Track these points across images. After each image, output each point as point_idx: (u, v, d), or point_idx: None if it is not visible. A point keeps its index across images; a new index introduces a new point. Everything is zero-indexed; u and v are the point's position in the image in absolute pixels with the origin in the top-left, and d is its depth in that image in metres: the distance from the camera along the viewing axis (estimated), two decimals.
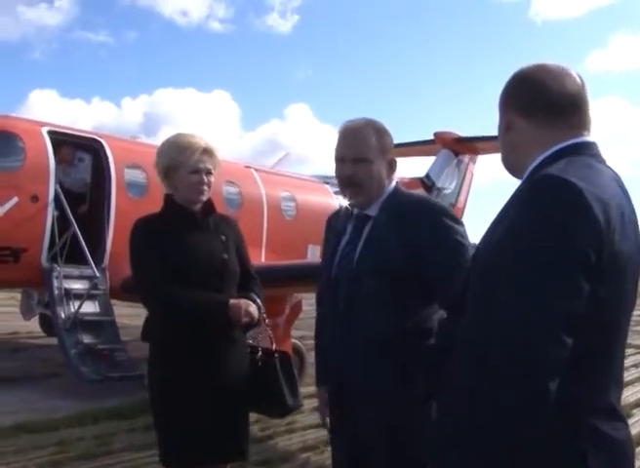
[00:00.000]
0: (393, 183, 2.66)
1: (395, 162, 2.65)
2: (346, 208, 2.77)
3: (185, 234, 2.96)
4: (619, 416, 1.59)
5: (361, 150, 2.53)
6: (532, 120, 1.74)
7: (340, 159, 2.58)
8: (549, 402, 1.40)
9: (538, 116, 1.74)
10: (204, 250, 2.96)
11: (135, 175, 8.29)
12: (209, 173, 2.97)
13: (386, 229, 2.51)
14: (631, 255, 1.54)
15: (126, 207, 7.82)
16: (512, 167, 1.85)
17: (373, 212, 2.59)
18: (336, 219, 2.78)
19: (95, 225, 7.87)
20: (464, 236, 2.54)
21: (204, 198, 3.00)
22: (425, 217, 2.51)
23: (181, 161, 2.92)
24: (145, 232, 2.97)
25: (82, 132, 8.46)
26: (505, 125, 1.81)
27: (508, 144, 1.83)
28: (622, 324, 1.61)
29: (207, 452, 2.91)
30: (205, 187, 2.96)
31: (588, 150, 1.69)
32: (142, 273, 2.94)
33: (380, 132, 2.58)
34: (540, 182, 1.53)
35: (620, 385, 1.64)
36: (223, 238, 3.04)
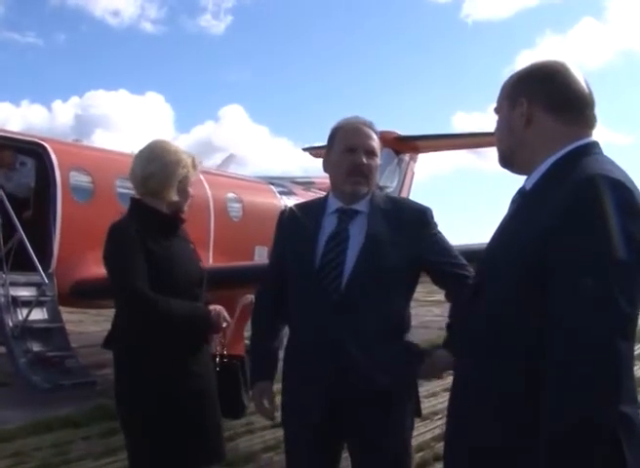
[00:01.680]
0: None
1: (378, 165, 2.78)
2: (311, 203, 2.87)
3: (166, 241, 2.94)
4: (636, 401, 1.66)
5: (372, 144, 2.65)
6: (557, 116, 1.76)
7: (352, 148, 2.63)
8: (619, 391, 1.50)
9: (563, 113, 1.76)
10: (185, 256, 2.97)
11: (80, 179, 8.15)
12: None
13: (383, 227, 2.59)
14: None
15: (72, 211, 7.69)
16: (517, 163, 1.87)
17: (362, 207, 2.64)
18: (303, 215, 2.77)
19: (40, 230, 7.70)
20: None
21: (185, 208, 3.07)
22: (421, 218, 2.67)
23: (182, 175, 2.98)
24: (128, 236, 2.86)
25: (24, 135, 8.26)
26: (526, 120, 1.79)
27: (524, 139, 1.81)
28: None
29: (189, 457, 2.90)
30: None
31: (600, 149, 1.76)
32: (127, 274, 2.80)
33: (377, 134, 2.71)
34: (597, 183, 1.55)
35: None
36: (192, 246, 3.06)
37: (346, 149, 2.63)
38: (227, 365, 3.08)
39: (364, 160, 2.61)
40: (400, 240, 2.56)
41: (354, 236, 2.59)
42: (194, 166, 3.02)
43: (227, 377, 3.07)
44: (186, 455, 2.87)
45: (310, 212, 2.74)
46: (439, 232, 2.70)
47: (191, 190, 3.03)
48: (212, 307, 2.91)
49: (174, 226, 3.01)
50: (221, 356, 3.10)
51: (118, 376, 2.96)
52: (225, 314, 2.94)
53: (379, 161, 2.69)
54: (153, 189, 2.95)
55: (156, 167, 2.93)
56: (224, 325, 2.90)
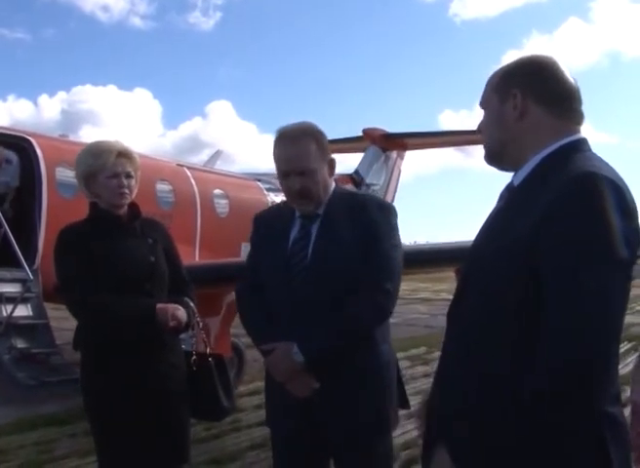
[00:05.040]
0: (332, 182, 2.73)
1: (334, 161, 2.72)
2: (280, 207, 2.86)
3: (112, 239, 2.94)
4: (620, 400, 1.66)
5: (305, 163, 2.56)
6: (549, 110, 1.75)
7: (284, 173, 2.61)
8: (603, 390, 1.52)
9: (555, 107, 1.75)
10: (131, 254, 2.94)
11: (66, 175, 8.05)
12: (128, 176, 2.96)
13: (337, 226, 2.59)
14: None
15: (58, 207, 7.59)
16: (506, 158, 1.84)
17: (320, 209, 2.65)
18: (272, 219, 2.80)
19: (25, 226, 7.63)
20: (399, 236, 2.69)
21: (125, 201, 2.99)
22: (372, 216, 2.60)
23: (98, 166, 2.92)
24: (70, 240, 2.94)
25: (8, 130, 8.17)
26: (519, 113, 1.77)
27: (515, 133, 1.78)
28: None
29: (145, 459, 2.89)
30: (125, 190, 2.95)
31: (589, 146, 1.75)
32: (68, 282, 2.90)
33: (317, 136, 2.62)
34: (587, 181, 1.54)
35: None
36: (150, 241, 3.03)
37: (280, 174, 2.64)
38: (200, 364, 3.04)
39: (298, 184, 2.57)
40: (349, 241, 2.54)
41: (311, 240, 2.61)
42: (126, 157, 2.96)
43: (203, 377, 3.03)
44: (147, 454, 2.88)
45: (282, 216, 2.75)
46: (390, 235, 2.61)
47: (126, 182, 2.95)
48: (160, 305, 2.85)
49: (115, 224, 2.99)
50: (199, 355, 3.06)
51: (82, 373, 3.02)
52: (179, 313, 2.86)
53: (321, 171, 2.60)
54: (87, 193, 3.06)
55: (78, 170, 3.05)
56: (172, 323, 2.82)
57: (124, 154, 2.95)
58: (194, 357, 3.03)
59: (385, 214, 2.64)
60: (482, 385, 1.67)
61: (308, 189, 2.58)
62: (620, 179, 1.61)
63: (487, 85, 1.88)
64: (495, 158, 1.88)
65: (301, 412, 2.56)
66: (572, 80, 1.79)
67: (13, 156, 7.91)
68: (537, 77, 1.77)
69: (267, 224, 2.80)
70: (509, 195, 1.80)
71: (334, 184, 2.73)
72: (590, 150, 1.74)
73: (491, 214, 1.85)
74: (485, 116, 1.88)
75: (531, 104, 1.76)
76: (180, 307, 2.90)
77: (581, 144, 1.74)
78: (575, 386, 1.47)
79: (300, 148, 2.56)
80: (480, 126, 1.90)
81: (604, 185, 1.53)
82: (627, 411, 1.99)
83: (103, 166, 2.90)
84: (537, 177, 1.70)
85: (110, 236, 2.95)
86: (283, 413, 2.64)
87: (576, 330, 1.47)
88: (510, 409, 1.58)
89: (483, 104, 1.89)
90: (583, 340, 1.47)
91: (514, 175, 1.81)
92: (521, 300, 1.60)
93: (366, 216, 2.58)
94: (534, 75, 1.78)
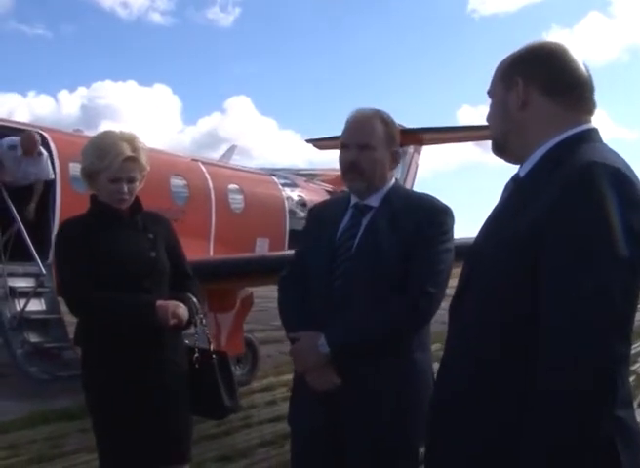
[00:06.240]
0: (393, 175, 2.66)
1: (399, 154, 2.67)
2: (339, 198, 2.78)
3: (112, 233, 2.90)
4: (631, 404, 1.58)
5: (365, 137, 2.53)
6: (554, 99, 1.66)
7: (344, 145, 2.57)
8: (614, 394, 1.41)
9: (561, 96, 1.66)
10: (131, 249, 2.89)
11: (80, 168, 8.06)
12: (131, 180, 2.90)
13: (388, 221, 2.50)
14: None
15: (72, 202, 7.59)
16: (510, 148, 1.76)
17: (374, 202, 2.57)
18: (326, 209, 2.76)
19: (40, 221, 7.64)
20: (452, 240, 2.55)
21: (124, 205, 2.93)
22: (427, 217, 2.50)
23: (102, 167, 2.84)
24: (70, 235, 2.90)
25: (23, 125, 8.19)
26: (522, 102, 1.69)
27: (518, 123, 1.70)
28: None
29: (145, 455, 2.86)
30: (125, 196, 2.89)
31: (599, 136, 1.66)
32: (67, 279, 2.88)
33: (387, 122, 2.59)
34: (594, 171, 1.46)
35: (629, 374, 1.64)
36: (151, 236, 2.97)
37: (341, 146, 2.59)
38: (203, 361, 2.98)
39: (353, 156, 2.52)
40: (397, 239, 2.45)
41: (359, 233, 2.53)
42: (132, 160, 2.89)
43: (204, 375, 2.98)
44: (147, 450, 2.85)
45: (335, 207, 2.70)
46: (443, 239, 2.50)
47: (127, 187, 2.88)
48: (160, 302, 2.79)
49: (116, 218, 2.94)
50: (202, 352, 3.00)
51: (83, 369, 2.99)
52: (179, 311, 2.81)
53: (381, 153, 2.54)
54: (88, 185, 3.02)
55: (82, 163, 2.98)
56: (173, 321, 2.76)
57: (131, 158, 2.87)
58: (197, 354, 2.98)
59: (440, 216, 2.53)
60: (478, 377, 1.62)
61: (361, 164, 2.52)
62: (629, 168, 1.52)
63: (495, 72, 1.80)
64: (499, 149, 1.80)
65: (326, 416, 2.45)
66: (582, 68, 1.69)
67: (43, 150, 7.89)
68: (542, 65, 1.68)
69: (320, 215, 2.75)
70: (514, 187, 1.72)
71: (394, 180, 2.66)
72: (600, 141, 1.65)
73: (495, 207, 1.78)
74: (491, 105, 1.80)
75: (534, 93, 1.67)
76: (181, 304, 2.84)
77: (591, 134, 1.65)
78: (574, 388, 1.39)
79: (365, 123, 2.55)
80: (487, 116, 1.82)
81: (606, 175, 1.44)
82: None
83: (107, 168, 2.84)
84: (542, 170, 1.61)
85: (111, 230, 2.90)
86: (308, 413, 2.53)
87: (575, 331, 1.40)
88: (508, 406, 1.53)
89: (490, 92, 1.81)
90: (584, 341, 1.39)
91: (520, 167, 1.73)
92: (520, 296, 1.53)
93: (419, 216, 2.49)
94: (539, 63, 1.69)
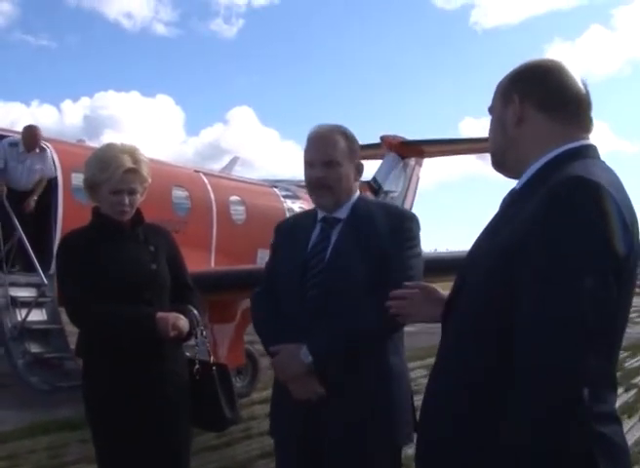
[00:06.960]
0: (357, 187, 2.69)
1: (362, 166, 2.70)
2: (303, 214, 2.83)
3: (113, 246, 2.90)
4: (617, 420, 1.56)
5: (330, 154, 2.56)
6: (550, 116, 1.69)
7: (309, 163, 2.61)
8: (584, 409, 1.38)
9: (557, 112, 1.69)
10: (132, 261, 2.90)
11: (82, 180, 8.08)
12: (132, 192, 2.90)
13: (357, 232, 2.54)
14: (637, 258, 1.53)
15: (74, 212, 7.62)
16: (507, 163, 1.79)
17: (342, 214, 2.62)
18: (295, 224, 2.79)
19: (42, 231, 7.66)
20: (419, 245, 2.62)
21: (125, 218, 2.94)
22: (394, 225, 2.55)
23: (103, 179, 2.85)
24: (71, 248, 2.91)
25: None
26: (518, 118, 1.71)
27: (514, 139, 1.73)
28: (624, 325, 1.59)
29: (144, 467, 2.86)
30: (126, 208, 2.90)
31: (595, 153, 1.68)
32: (68, 293, 2.90)
33: (349, 136, 2.63)
34: (574, 185, 1.46)
35: (616, 388, 1.62)
36: (152, 248, 2.98)
37: (305, 164, 2.63)
38: (203, 373, 2.98)
39: (320, 173, 2.56)
40: (367, 248, 2.50)
41: (329, 247, 2.57)
42: (133, 172, 2.89)
43: (205, 387, 2.98)
44: (147, 462, 2.85)
45: (304, 221, 2.74)
46: (411, 245, 2.56)
47: (128, 199, 2.89)
48: (160, 314, 2.80)
49: (117, 230, 2.95)
50: (202, 364, 3.00)
51: (83, 380, 2.96)
52: (180, 323, 2.81)
53: (346, 167, 2.58)
54: (90, 197, 3.02)
55: (84, 175, 2.98)
56: (173, 333, 2.77)
57: (132, 169, 2.88)
58: (197, 366, 2.98)
59: (407, 223, 2.60)
60: (472, 384, 1.62)
61: (329, 181, 2.56)
62: (614, 185, 1.52)
63: (496, 89, 1.83)
64: (498, 164, 1.83)
65: (306, 425, 2.48)
66: (579, 85, 1.71)
67: (45, 144, 7.91)
68: (538, 82, 1.71)
69: (288, 231, 2.78)
70: (509, 201, 1.75)
71: (358, 191, 2.70)
72: (595, 157, 1.67)
73: (490, 219, 1.80)
74: (491, 121, 1.83)
75: (530, 110, 1.70)
76: (182, 316, 2.85)
77: (585, 151, 1.66)
78: (543, 403, 1.39)
79: (328, 139, 2.59)
80: (488, 131, 1.85)
81: (584, 189, 1.44)
82: None
83: (108, 180, 2.85)
84: (533, 184, 1.64)
85: (112, 242, 2.92)
86: (287, 424, 2.58)
87: (544, 345, 1.40)
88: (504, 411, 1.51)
89: (490, 109, 1.84)
90: (551, 354, 1.39)
91: (518, 182, 1.76)
92: (503, 309, 1.53)
93: (387, 225, 2.54)
94: (535, 80, 1.72)
